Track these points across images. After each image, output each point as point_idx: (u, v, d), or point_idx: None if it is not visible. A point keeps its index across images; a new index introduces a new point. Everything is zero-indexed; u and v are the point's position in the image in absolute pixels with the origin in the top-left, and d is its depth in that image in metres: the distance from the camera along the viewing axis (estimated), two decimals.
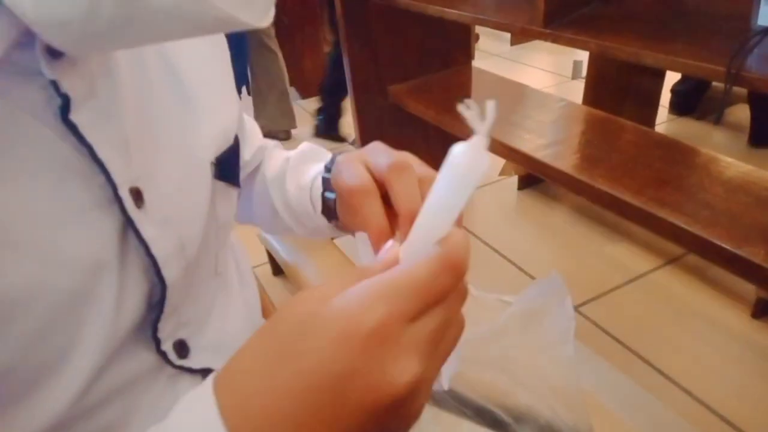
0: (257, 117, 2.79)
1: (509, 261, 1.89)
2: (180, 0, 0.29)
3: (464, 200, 0.31)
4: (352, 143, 2.73)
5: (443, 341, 0.31)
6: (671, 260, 1.81)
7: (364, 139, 1.92)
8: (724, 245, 1.07)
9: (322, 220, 0.58)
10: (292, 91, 3.42)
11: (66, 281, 0.35)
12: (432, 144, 2.04)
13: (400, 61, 1.87)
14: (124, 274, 0.39)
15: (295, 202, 0.61)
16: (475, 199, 2.27)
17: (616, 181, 1.29)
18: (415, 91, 1.86)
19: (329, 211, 0.56)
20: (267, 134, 0.75)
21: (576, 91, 2.01)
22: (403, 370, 0.28)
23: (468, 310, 0.50)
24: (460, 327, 0.33)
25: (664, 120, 2.69)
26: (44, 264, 0.34)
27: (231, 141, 0.51)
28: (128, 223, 0.38)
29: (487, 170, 0.30)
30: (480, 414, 0.50)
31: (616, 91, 2.05)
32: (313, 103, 3.25)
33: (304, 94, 3.46)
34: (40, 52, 0.31)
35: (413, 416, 0.30)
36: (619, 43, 1.01)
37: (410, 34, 1.86)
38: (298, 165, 0.63)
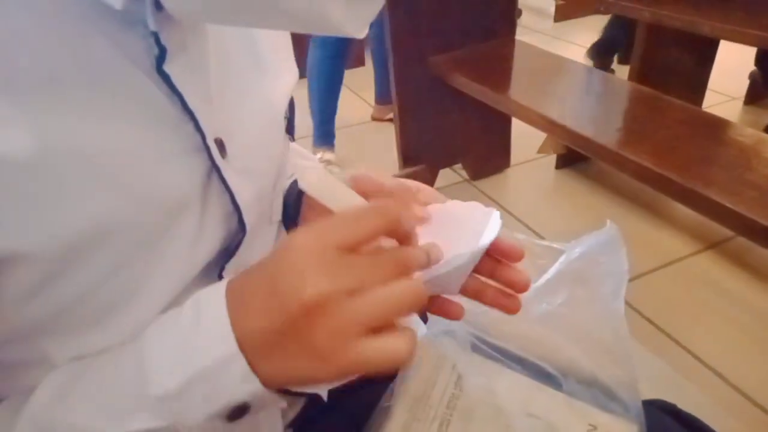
0: None
1: (542, 238, 1.86)
2: (305, 3, 0.31)
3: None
4: (390, 119, 2.73)
5: (372, 293, 0.33)
6: (710, 246, 1.77)
7: (403, 110, 1.91)
8: None
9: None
10: None
11: (150, 217, 0.38)
12: (469, 117, 2.03)
13: (442, 31, 1.85)
14: (203, 219, 0.41)
15: None
16: (511, 177, 2.25)
17: (661, 158, 1.27)
18: (456, 62, 1.84)
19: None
20: None
21: (621, 71, 1.96)
22: (312, 279, 0.32)
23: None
24: (404, 297, 0.34)
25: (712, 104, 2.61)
26: (130, 199, 0.36)
27: (289, 98, 0.54)
28: (214, 170, 0.41)
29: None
30: (523, 365, 0.50)
31: (663, 72, 2.00)
32: (350, 76, 3.24)
33: None
34: (149, 5, 0.34)
35: (316, 343, 0.33)
36: (675, 12, 0.97)
37: (452, 4, 1.83)
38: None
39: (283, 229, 0.60)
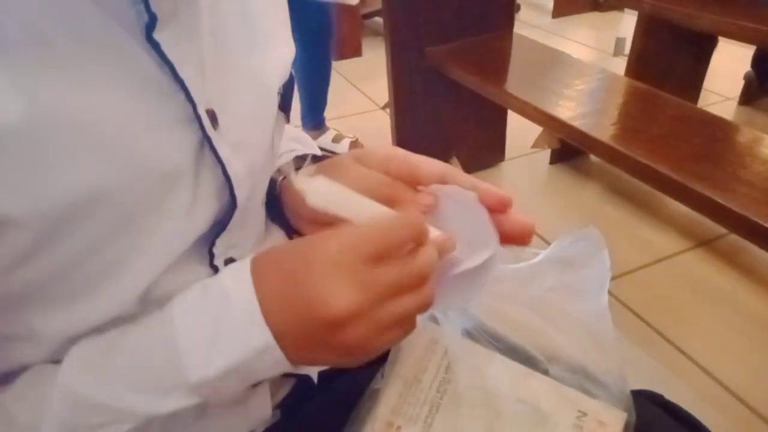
0: None
1: (536, 234, 1.87)
2: None
3: None
4: (384, 107, 2.72)
5: (396, 301, 0.37)
6: (701, 243, 1.78)
7: (398, 102, 1.91)
8: (761, 222, 1.04)
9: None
10: None
11: (142, 187, 0.37)
12: (464, 110, 2.02)
13: (439, 22, 1.84)
14: (197, 191, 0.41)
15: None
16: (505, 171, 2.25)
17: (655, 153, 1.27)
18: (452, 54, 1.84)
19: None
20: None
21: (617, 69, 1.95)
22: (344, 294, 0.35)
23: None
24: (421, 301, 0.38)
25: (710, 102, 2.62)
26: (121, 167, 0.36)
27: (288, 75, 0.53)
28: (205, 141, 0.40)
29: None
30: (513, 350, 0.50)
31: (659, 69, 2.00)
32: (346, 66, 3.23)
33: (338, 56, 3.43)
34: None
35: (346, 349, 0.37)
36: (674, 4, 0.97)
37: None
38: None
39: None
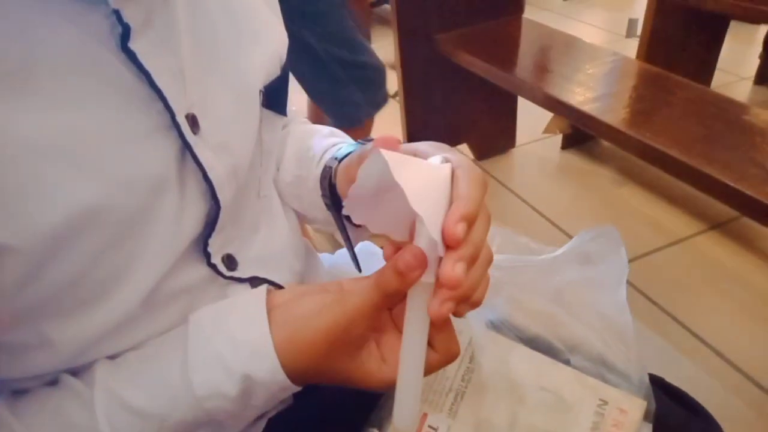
0: None
1: (547, 219, 1.88)
2: None
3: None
4: (394, 96, 2.71)
5: None
6: (713, 226, 1.78)
7: (408, 89, 1.90)
8: None
9: (317, 195, 0.57)
10: None
11: (130, 200, 0.38)
12: (474, 97, 2.02)
13: (448, 8, 1.83)
14: (183, 196, 0.42)
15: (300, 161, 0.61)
16: (516, 157, 2.25)
17: (666, 136, 1.27)
18: (462, 40, 1.83)
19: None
20: None
21: (630, 50, 1.94)
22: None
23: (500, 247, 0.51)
24: None
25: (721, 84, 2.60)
26: (109, 183, 0.36)
27: (279, 71, 0.53)
28: (186, 148, 0.41)
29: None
30: (535, 341, 0.51)
31: (672, 50, 1.98)
32: None
33: None
34: None
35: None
36: None
37: None
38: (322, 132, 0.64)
39: (279, 208, 0.59)
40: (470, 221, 0.35)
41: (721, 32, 2.08)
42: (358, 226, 0.50)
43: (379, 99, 1.72)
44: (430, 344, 0.39)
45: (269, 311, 0.41)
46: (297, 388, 0.42)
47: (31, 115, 0.33)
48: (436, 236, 0.34)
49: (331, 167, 0.54)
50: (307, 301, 0.41)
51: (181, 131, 0.40)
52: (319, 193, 0.56)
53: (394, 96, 2.68)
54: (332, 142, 0.59)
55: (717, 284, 1.60)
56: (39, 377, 0.41)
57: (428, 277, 0.36)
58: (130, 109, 0.38)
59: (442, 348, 0.40)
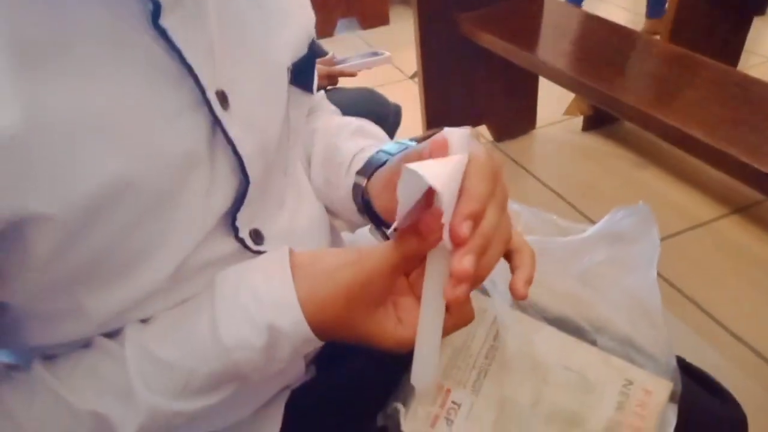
0: None
1: (567, 202, 1.86)
2: None
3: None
4: (413, 77, 2.70)
5: None
6: (736, 210, 1.75)
7: (428, 70, 1.89)
8: None
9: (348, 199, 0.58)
10: (352, 22, 3.38)
11: (162, 174, 0.39)
12: (495, 78, 2.00)
13: None
14: (214, 171, 0.43)
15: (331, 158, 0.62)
16: (536, 139, 2.22)
17: (689, 117, 1.25)
18: (483, 20, 1.81)
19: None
20: None
21: None
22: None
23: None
24: None
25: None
26: (141, 158, 0.37)
27: (306, 49, 0.53)
28: (216, 124, 0.42)
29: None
30: (561, 321, 0.51)
31: (697, 30, 1.94)
32: (373, 35, 3.20)
33: (365, 25, 3.40)
34: None
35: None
36: None
37: None
38: (352, 126, 0.64)
39: (306, 186, 0.60)
40: (476, 218, 0.37)
41: (749, 13, 2.03)
42: None
43: None
44: (447, 309, 0.41)
45: (291, 268, 0.43)
46: (319, 343, 0.43)
47: (65, 87, 0.34)
48: (453, 202, 0.36)
49: (361, 185, 0.55)
50: (328, 259, 0.43)
51: (212, 107, 0.41)
52: (353, 206, 0.57)
53: (413, 77, 2.67)
54: (359, 146, 0.59)
55: (739, 269, 1.58)
56: (71, 344, 0.43)
57: (447, 242, 0.37)
58: (162, 87, 0.39)
59: (456, 311, 0.41)
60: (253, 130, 0.45)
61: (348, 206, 0.58)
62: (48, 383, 0.40)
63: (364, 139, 0.61)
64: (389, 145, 0.56)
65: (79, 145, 0.34)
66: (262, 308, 0.41)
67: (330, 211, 0.64)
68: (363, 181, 0.55)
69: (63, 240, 0.36)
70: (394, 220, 0.38)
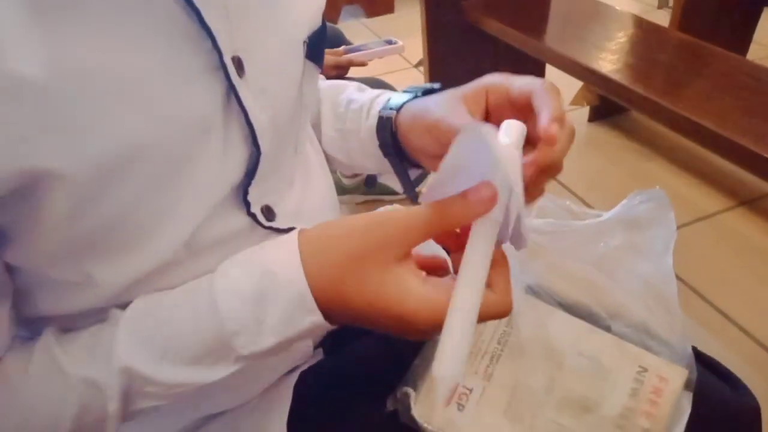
0: None
1: (573, 193, 1.85)
2: None
3: None
4: (418, 65, 2.68)
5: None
6: (743, 202, 1.74)
7: (434, 57, 1.87)
8: None
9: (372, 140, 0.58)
10: (357, 9, 3.35)
11: (176, 138, 0.38)
12: (501, 66, 1.97)
13: None
14: (227, 138, 0.42)
15: (346, 114, 0.62)
16: None
17: (699, 107, 1.23)
18: (490, 7, 1.79)
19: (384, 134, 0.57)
20: None
21: (660, 22, 1.88)
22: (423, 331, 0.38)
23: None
24: None
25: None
26: (157, 120, 0.37)
27: (319, 22, 0.53)
28: (231, 90, 0.41)
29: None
30: (575, 307, 0.50)
31: (705, 20, 1.92)
32: (378, 23, 3.18)
33: (370, 12, 3.37)
34: None
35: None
36: None
37: None
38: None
39: (316, 166, 0.60)
40: (560, 121, 0.42)
41: (759, 3, 2.01)
42: (419, 166, 0.55)
43: None
44: (488, 286, 0.36)
45: (299, 237, 0.42)
46: (317, 312, 0.40)
47: (83, 47, 0.33)
48: (515, 179, 0.34)
49: (390, 118, 0.55)
50: (337, 223, 0.43)
51: (228, 73, 0.40)
52: (376, 143, 0.57)
53: (417, 65, 2.65)
54: (376, 92, 0.60)
55: (745, 261, 1.57)
56: (83, 316, 0.43)
57: (497, 215, 0.35)
58: (180, 48, 0.38)
59: (500, 289, 0.37)
60: (265, 99, 0.45)
61: (368, 148, 0.59)
62: (47, 345, 0.41)
63: (375, 90, 0.63)
64: (410, 88, 0.57)
65: (98, 100, 0.34)
66: (261, 254, 0.41)
67: (342, 163, 0.65)
68: (392, 114, 0.55)
69: (75, 204, 0.35)
70: (421, 158, 0.38)
